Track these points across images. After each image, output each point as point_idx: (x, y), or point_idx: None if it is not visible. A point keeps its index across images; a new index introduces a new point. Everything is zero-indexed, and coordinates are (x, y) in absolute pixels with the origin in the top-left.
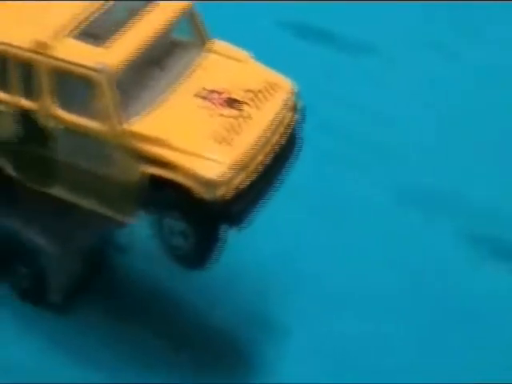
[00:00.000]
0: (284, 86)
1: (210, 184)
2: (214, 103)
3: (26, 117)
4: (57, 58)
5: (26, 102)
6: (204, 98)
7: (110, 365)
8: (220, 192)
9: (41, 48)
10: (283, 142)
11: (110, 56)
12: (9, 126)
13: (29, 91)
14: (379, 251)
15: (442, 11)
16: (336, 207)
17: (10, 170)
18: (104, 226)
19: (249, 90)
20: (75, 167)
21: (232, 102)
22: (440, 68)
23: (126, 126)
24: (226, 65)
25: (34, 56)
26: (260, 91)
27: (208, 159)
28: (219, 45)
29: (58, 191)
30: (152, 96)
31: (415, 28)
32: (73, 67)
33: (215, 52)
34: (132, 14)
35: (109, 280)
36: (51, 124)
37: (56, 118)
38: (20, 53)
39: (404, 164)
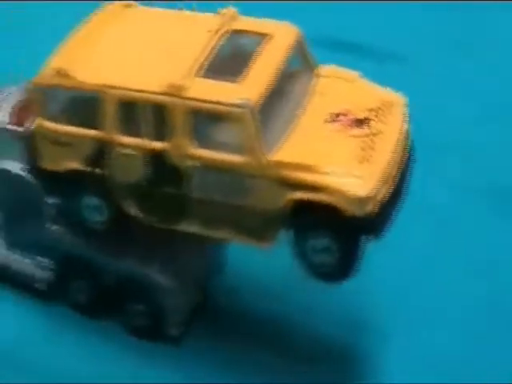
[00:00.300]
0: (398, 101)
1: (360, 201)
2: (343, 125)
3: (157, 159)
4: (194, 99)
5: (157, 144)
6: (332, 121)
7: None
8: (369, 208)
9: (175, 90)
10: (407, 153)
11: (247, 91)
12: (137, 169)
13: (160, 133)
14: (468, 258)
15: (465, 13)
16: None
17: (134, 212)
18: (213, 255)
19: (369, 108)
20: (210, 202)
21: (359, 122)
22: (466, 68)
23: (269, 157)
24: (339, 87)
25: (169, 99)
26: (379, 108)
27: (355, 178)
28: (327, 69)
29: (188, 227)
30: (282, 125)
31: (438, 32)
32: (212, 106)
33: (325, 76)
34: (244, 47)
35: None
36: (187, 163)
37: (192, 156)
38: (153, 97)
39: (454, 163)
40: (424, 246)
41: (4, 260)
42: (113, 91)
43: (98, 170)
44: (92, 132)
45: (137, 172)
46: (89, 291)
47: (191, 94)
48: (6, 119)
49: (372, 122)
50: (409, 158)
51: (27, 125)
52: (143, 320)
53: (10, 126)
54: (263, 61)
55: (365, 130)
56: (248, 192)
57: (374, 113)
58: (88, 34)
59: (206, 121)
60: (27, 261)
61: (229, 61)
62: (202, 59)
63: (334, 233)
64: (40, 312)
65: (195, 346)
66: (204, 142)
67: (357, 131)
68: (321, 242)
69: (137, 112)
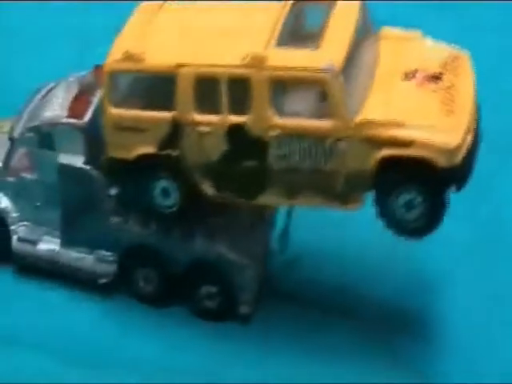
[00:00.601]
0: (463, 55)
1: (450, 152)
2: (419, 81)
3: (236, 133)
4: (278, 68)
5: (236, 119)
6: (408, 79)
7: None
8: (458, 158)
9: (257, 61)
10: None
11: (328, 56)
12: (215, 146)
13: (239, 107)
14: None
15: None
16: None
17: (210, 191)
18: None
19: (439, 64)
20: (292, 170)
21: (434, 77)
22: None
23: (357, 118)
24: (405, 47)
25: (250, 70)
26: (448, 63)
27: (443, 130)
28: (388, 30)
29: (268, 199)
30: (360, 87)
31: None
32: (297, 73)
33: (389, 38)
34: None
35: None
36: (269, 134)
37: (275, 126)
38: (233, 71)
39: None
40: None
41: (63, 258)
42: (189, 69)
43: (171, 152)
44: (166, 114)
45: (215, 149)
46: (156, 280)
47: (274, 63)
48: (64, 113)
49: (445, 76)
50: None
51: (86, 117)
52: (214, 301)
53: (68, 120)
54: (336, 27)
55: (440, 84)
56: (334, 156)
57: (444, 67)
58: (139, 26)
59: (286, 90)
60: (87, 257)
61: (300, 30)
62: (274, 31)
63: (422, 187)
64: (105, 306)
65: (265, 322)
66: (286, 110)
67: (433, 86)
68: (408, 197)
69: (214, 88)
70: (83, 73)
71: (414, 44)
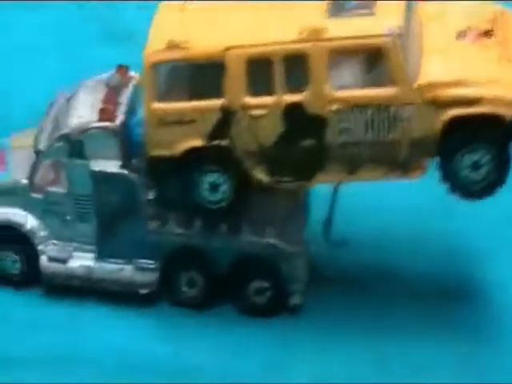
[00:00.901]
0: (504, 10)
1: None
2: (473, 39)
3: (293, 112)
4: (337, 38)
5: (293, 97)
6: (461, 38)
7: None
8: None
9: (315, 34)
10: None
11: (387, 22)
12: (271, 128)
13: (295, 85)
14: None
15: None
16: None
17: (263, 178)
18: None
19: (487, 20)
20: (352, 144)
21: (485, 34)
22: None
23: (419, 81)
24: (446, 11)
25: (309, 44)
26: (495, 18)
27: (507, 84)
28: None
29: (326, 177)
30: (415, 51)
31: None
32: (358, 41)
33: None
34: None
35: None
36: (330, 108)
37: (335, 100)
38: (289, 46)
39: None
40: None
41: (98, 273)
42: (239, 51)
43: (221, 143)
44: (215, 101)
45: (269, 132)
46: (201, 282)
47: (332, 34)
48: (94, 117)
49: (496, 32)
50: None
51: (117, 119)
52: (264, 296)
53: (100, 124)
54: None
55: (493, 39)
56: (398, 123)
57: (493, 23)
58: (170, 20)
59: (345, 61)
60: (125, 267)
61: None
62: (324, 6)
63: (490, 143)
64: (146, 315)
65: (316, 310)
66: (344, 82)
67: (488, 42)
68: (475, 157)
69: (267, 68)
70: (104, 75)
71: (454, 8)
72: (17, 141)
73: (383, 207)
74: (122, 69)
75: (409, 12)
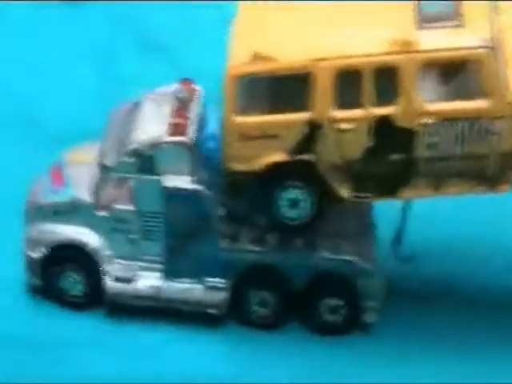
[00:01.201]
0: None
1: None
2: None
3: (382, 126)
4: (430, 51)
5: (382, 110)
6: None
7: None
8: None
9: (406, 46)
10: None
11: (477, 34)
12: (358, 142)
13: (384, 97)
14: None
15: None
16: None
17: (345, 194)
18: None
19: None
20: (441, 159)
21: None
22: None
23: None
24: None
25: (401, 56)
26: None
27: None
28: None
29: (411, 193)
30: (502, 61)
31: None
32: (451, 53)
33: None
34: None
35: None
36: (419, 121)
37: (426, 113)
38: (380, 58)
39: None
40: None
41: (166, 292)
42: (328, 63)
43: (305, 157)
44: (301, 115)
45: (356, 147)
46: (273, 301)
47: (424, 46)
48: (164, 132)
49: None
50: None
51: (189, 133)
52: (338, 314)
53: (172, 138)
54: (470, 5)
55: None
56: (489, 137)
57: None
58: (251, 26)
59: (433, 73)
60: (195, 286)
61: (433, 11)
62: (411, 15)
63: None
64: (214, 336)
65: (389, 327)
66: (434, 95)
67: None
68: None
69: (355, 80)
70: (167, 87)
71: None
72: (72, 156)
73: (455, 219)
74: (187, 82)
75: (494, 21)
